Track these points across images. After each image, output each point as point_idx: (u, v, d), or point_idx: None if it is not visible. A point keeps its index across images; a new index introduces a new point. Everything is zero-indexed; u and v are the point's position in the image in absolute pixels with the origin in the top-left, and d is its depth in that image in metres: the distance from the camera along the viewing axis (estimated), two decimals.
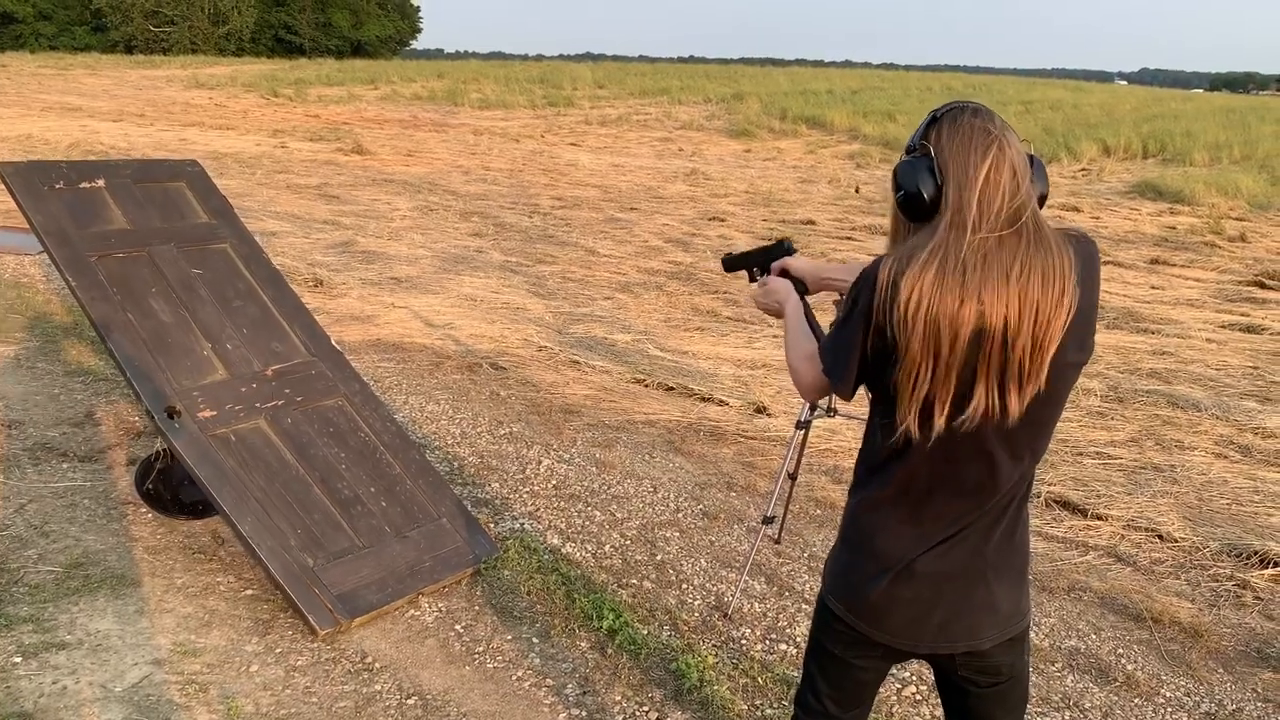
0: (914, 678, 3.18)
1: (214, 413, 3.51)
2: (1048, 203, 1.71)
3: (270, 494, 3.41)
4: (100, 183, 3.95)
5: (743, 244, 10.98)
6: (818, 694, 1.96)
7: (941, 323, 1.54)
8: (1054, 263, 1.55)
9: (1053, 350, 1.56)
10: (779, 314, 2.09)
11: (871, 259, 1.67)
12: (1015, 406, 1.59)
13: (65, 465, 4.41)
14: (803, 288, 2.17)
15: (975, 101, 1.67)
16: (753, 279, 2.40)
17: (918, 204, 1.62)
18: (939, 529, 1.72)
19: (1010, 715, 1.91)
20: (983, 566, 1.74)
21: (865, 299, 1.62)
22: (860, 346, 1.65)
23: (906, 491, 1.71)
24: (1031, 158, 1.65)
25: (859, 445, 1.82)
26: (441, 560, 3.56)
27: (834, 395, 1.80)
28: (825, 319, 1.87)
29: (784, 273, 2.23)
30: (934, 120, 1.65)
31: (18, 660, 3.02)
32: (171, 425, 3.37)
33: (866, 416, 1.79)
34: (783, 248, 2.31)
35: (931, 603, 1.75)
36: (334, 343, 4.11)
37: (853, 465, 1.85)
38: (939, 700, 3.06)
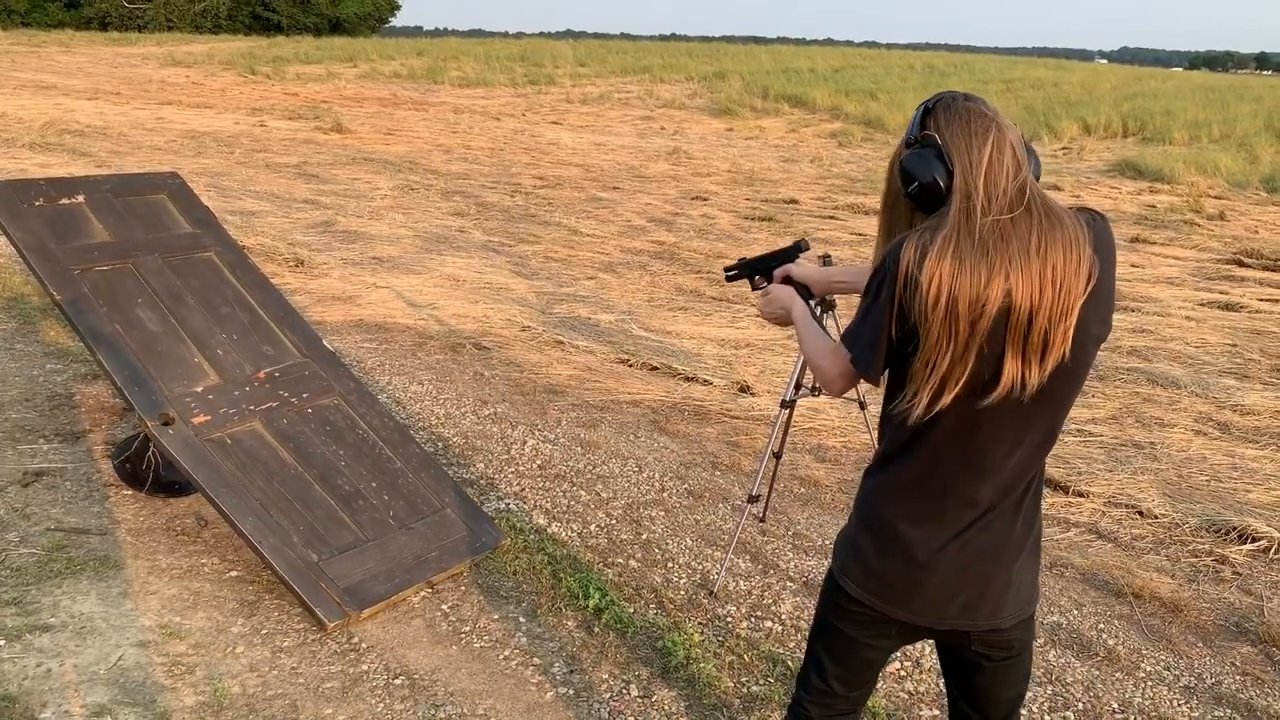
0: (899, 654, 3.21)
1: (208, 418, 3.51)
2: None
3: (270, 493, 3.40)
4: (80, 198, 3.97)
5: (725, 223, 10.97)
6: (824, 674, 1.96)
7: (961, 305, 1.56)
8: (1070, 234, 1.58)
9: (1074, 320, 1.58)
10: (786, 321, 2.10)
11: (894, 243, 1.67)
12: (1036, 379, 1.60)
13: (47, 447, 4.38)
14: (806, 292, 2.18)
15: (960, 91, 1.70)
16: (755, 287, 2.40)
17: (933, 193, 1.64)
18: (963, 514, 1.72)
19: (1014, 689, 1.93)
20: (1007, 550, 1.75)
21: (890, 284, 1.63)
22: (886, 330, 1.65)
23: (929, 476, 1.72)
24: (1025, 144, 1.68)
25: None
26: (448, 549, 3.55)
27: (862, 382, 1.80)
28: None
29: (786, 279, 2.24)
30: (928, 111, 1.68)
31: (1, 643, 3.01)
32: (166, 433, 3.36)
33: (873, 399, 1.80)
34: (799, 248, 2.34)
35: (956, 586, 1.75)
36: (325, 342, 4.10)
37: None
38: (921, 677, 3.09)
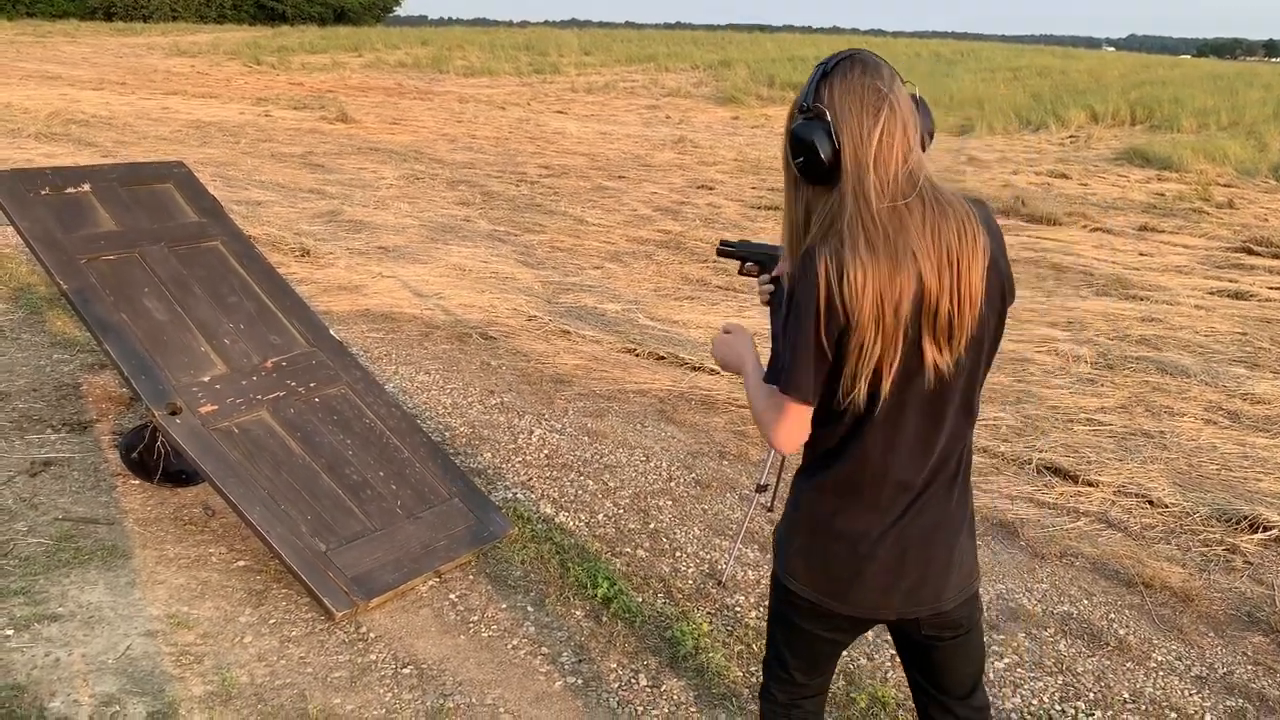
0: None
1: (215, 407, 3.50)
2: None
3: (277, 483, 3.39)
4: (86, 187, 3.95)
5: (732, 211, 10.94)
6: (784, 664, 1.99)
7: (885, 295, 1.57)
8: (960, 215, 1.61)
9: (979, 298, 1.62)
10: (737, 370, 1.95)
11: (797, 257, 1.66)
12: (951, 359, 1.64)
13: (54, 437, 4.37)
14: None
15: (864, 51, 1.66)
16: (742, 271, 2.37)
17: (818, 168, 1.62)
18: (899, 500, 1.74)
19: (973, 665, 1.97)
20: (944, 529, 1.78)
21: (808, 294, 1.60)
22: (814, 344, 1.62)
23: (862, 469, 1.72)
24: (916, 99, 1.68)
25: None
26: (456, 538, 3.54)
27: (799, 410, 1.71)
28: None
29: (776, 279, 2.21)
30: (824, 76, 1.65)
31: (9, 633, 3.01)
32: (173, 422, 3.36)
33: None
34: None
35: (898, 572, 1.77)
36: (332, 331, 4.09)
37: None
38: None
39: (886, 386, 1.63)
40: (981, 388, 1.76)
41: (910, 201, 1.59)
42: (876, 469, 1.72)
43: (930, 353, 1.62)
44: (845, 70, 1.63)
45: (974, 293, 1.61)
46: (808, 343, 1.62)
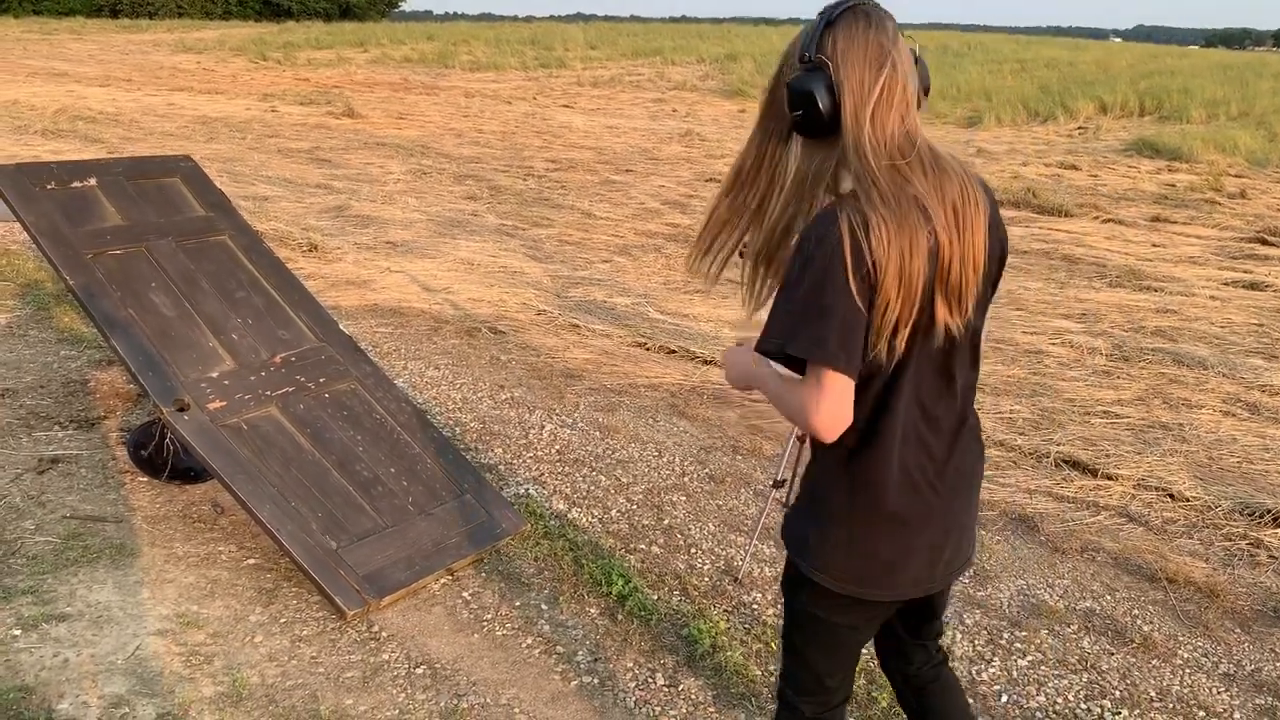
0: None
1: (224, 403, 3.46)
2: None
3: (287, 479, 3.34)
4: (92, 181, 3.91)
5: None
6: (814, 673, 1.91)
7: (905, 251, 1.52)
8: (959, 175, 1.60)
9: (982, 255, 1.61)
10: (749, 385, 1.83)
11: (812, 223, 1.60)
12: (958, 322, 1.62)
13: (61, 434, 4.34)
14: None
15: (869, 1, 1.60)
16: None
17: (815, 121, 1.58)
18: (930, 467, 1.70)
19: (943, 608, 2.02)
20: (971, 492, 1.79)
21: (834, 262, 1.51)
22: (847, 308, 1.52)
23: (891, 439, 1.66)
24: (916, 56, 1.65)
25: None
26: (468, 536, 3.50)
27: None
28: None
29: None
30: (827, 25, 1.59)
31: (17, 633, 2.96)
32: (181, 419, 3.31)
33: None
34: None
35: (943, 544, 1.76)
36: (341, 326, 4.05)
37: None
38: (953, 665, 3.02)
39: (901, 344, 1.58)
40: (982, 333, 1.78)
41: (910, 161, 1.56)
42: (904, 437, 1.67)
43: (942, 313, 1.60)
44: (850, 21, 1.57)
45: (978, 253, 1.60)
46: (836, 307, 1.52)
